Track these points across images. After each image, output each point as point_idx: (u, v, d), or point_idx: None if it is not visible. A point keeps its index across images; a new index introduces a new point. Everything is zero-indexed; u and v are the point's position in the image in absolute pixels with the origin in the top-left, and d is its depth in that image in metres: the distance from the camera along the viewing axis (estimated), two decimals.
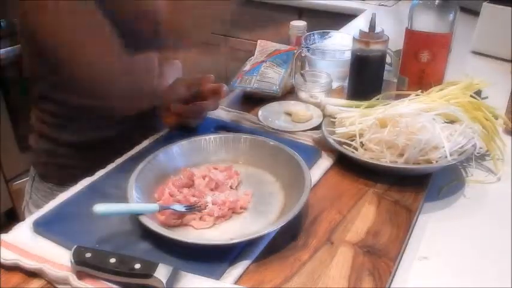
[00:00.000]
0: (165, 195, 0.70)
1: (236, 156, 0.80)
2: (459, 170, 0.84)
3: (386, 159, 0.77)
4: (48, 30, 0.71)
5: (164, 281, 0.53)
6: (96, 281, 0.56)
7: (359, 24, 1.19)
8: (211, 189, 0.72)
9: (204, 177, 0.73)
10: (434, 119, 0.79)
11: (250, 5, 2.26)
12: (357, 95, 0.97)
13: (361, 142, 0.82)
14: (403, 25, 1.00)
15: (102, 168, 0.78)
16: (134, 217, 0.63)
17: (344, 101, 0.94)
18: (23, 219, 0.68)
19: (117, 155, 0.81)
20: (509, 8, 1.32)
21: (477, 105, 0.85)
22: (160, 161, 0.75)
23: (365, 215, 0.70)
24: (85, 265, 0.55)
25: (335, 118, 0.88)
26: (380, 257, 0.62)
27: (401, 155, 0.77)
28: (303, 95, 1.01)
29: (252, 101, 1.03)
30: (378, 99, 0.91)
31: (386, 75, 1.02)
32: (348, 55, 1.03)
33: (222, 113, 0.96)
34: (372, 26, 0.94)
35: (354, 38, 0.96)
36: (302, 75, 1.04)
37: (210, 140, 0.81)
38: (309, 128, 0.91)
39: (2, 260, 0.59)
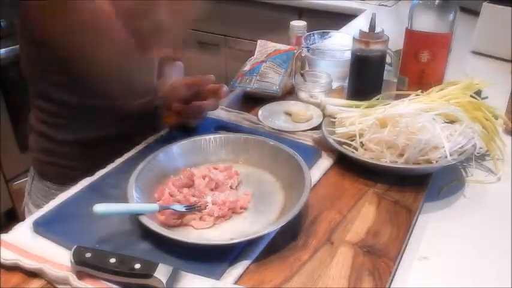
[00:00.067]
0: (165, 195, 0.70)
1: (236, 156, 0.80)
2: (459, 170, 0.84)
3: (386, 159, 0.77)
4: (56, 30, 0.70)
5: (164, 281, 0.53)
6: (96, 281, 0.56)
7: (359, 24, 1.19)
8: (211, 189, 0.72)
9: (204, 177, 0.73)
10: (434, 119, 0.79)
11: (250, 5, 2.27)
12: (357, 95, 0.97)
13: (361, 142, 0.82)
14: (403, 25, 1.00)
15: (101, 168, 0.78)
16: (134, 217, 0.63)
17: (344, 101, 0.94)
18: (23, 219, 0.68)
19: (117, 155, 0.81)
20: (509, 8, 1.32)
21: (477, 105, 0.85)
22: (160, 161, 0.75)
23: (365, 215, 0.70)
24: (85, 265, 0.55)
25: (335, 118, 0.88)
26: (380, 257, 0.62)
27: (401, 155, 0.77)
28: (303, 95, 1.01)
29: (252, 101, 1.03)
30: (378, 99, 0.91)
31: (386, 75, 1.02)
32: (348, 55, 1.03)
33: (222, 113, 0.96)
34: (372, 26, 0.94)
35: (354, 38, 0.96)
36: (302, 75, 1.04)
37: (210, 140, 0.81)
38: (309, 128, 0.91)
39: (2, 260, 0.59)
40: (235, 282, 0.57)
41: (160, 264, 0.55)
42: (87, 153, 0.92)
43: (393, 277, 0.62)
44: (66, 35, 0.71)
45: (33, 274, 0.58)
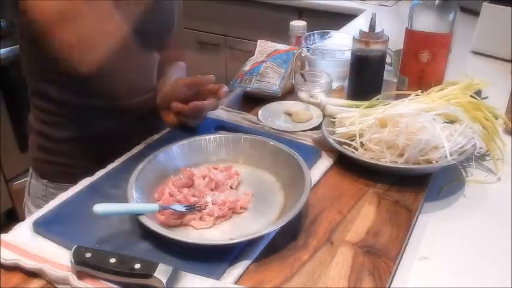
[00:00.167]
0: (165, 195, 0.70)
1: (236, 156, 0.80)
2: (459, 170, 0.85)
3: (386, 159, 0.77)
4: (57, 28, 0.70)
5: (164, 281, 0.53)
6: (96, 281, 0.56)
7: (359, 24, 1.19)
8: (211, 189, 0.72)
9: (204, 177, 0.73)
10: (434, 119, 0.79)
11: (250, 5, 2.27)
12: (357, 95, 0.97)
13: (361, 142, 0.82)
14: (403, 25, 1.00)
15: (100, 167, 0.77)
16: (134, 217, 0.63)
17: (344, 101, 0.94)
18: (23, 219, 0.68)
19: (117, 154, 0.81)
20: (509, 8, 1.32)
21: (477, 105, 0.85)
22: (160, 161, 0.75)
23: (365, 215, 0.70)
24: (85, 265, 0.55)
25: (335, 118, 0.88)
26: (380, 257, 0.62)
27: (401, 155, 0.77)
28: (303, 95, 1.01)
29: (252, 101, 1.03)
30: (378, 99, 0.91)
31: (386, 75, 1.02)
32: (348, 55, 1.03)
33: (222, 113, 0.96)
34: (372, 26, 0.94)
35: (354, 38, 0.96)
36: (302, 75, 1.04)
37: (210, 140, 0.81)
38: (309, 128, 0.91)
39: (2, 260, 0.59)
40: (235, 282, 0.57)
41: (160, 264, 0.55)
42: (85, 152, 0.92)
43: (393, 277, 0.62)
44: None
45: (33, 274, 0.58)
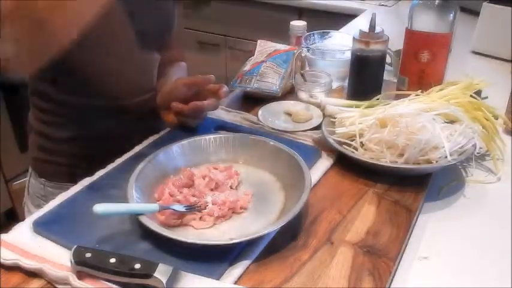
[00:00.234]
0: (165, 195, 0.70)
1: (236, 156, 0.80)
2: (459, 170, 0.85)
3: (387, 159, 0.77)
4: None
5: (164, 281, 0.53)
6: (96, 281, 0.56)
7: (359, 24, 1.19)
8: (211, 189, 0.72)
9: (204, 177, 0.73)
10: (434, 119, 0.79)
11: (250, 5, 2.27)
12: (357, 95, 0.97)
13: (361, 142, 0.82)
14: (403, 25, 1.00)
15: (99, 167, 0.77)
16: (134, 217, 0.63)
17: (344, 101, 0.94)
18: (23, 219, 0.68)
19: (116, 154, 0.81)
20: (509, 8, 1.32)
21: (477, 105, 0.85)
22: (160, 161, 0.75)
23: (365, 215, 0.70)
24: (85, 265, 0.55)
25: (335, 118, 0.88)
26: (380, 257, 0.62)
27: (401, 155, 0.77)
28: (303, 95, 1.01)
29: (252, 101, 1.03)
30: (378, 99, 0.91)
31: (386, 75, 1.02)
32: (348, 55, 1.03)
33: (222, 113, 0.96)
34: (372, 26, 0.94)
35: (354, 38, 0.97)
36: (302, 75, 1.04)
37: (210, 140, 0.81)
38: (309, 128, 0.91)
39: (2, 260, 0.59)
40: (235, 282, 0.57)
41: (160, 264, 0.55)
42: (85, 152, 0.92)
43: (393, 277, 0.62)
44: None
45: (33, 274, 0.58)
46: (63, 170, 0.93)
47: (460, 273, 0.64)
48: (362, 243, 0.65)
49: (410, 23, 0.98)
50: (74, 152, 0.92)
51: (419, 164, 0.77)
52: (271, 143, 0.78)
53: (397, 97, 0.91)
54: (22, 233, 0.63)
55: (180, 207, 0.66)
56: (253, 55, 1.11)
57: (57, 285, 0.57)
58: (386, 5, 2.02)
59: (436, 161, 0.77)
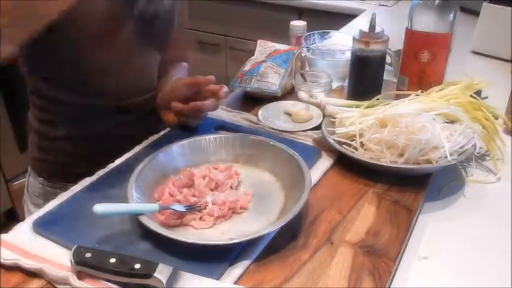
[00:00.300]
0: (165, 195, 0.70)
1: (236, 156, 0.80)
2: (459, 170, 0.85)
3: (387, 159, 0.77)
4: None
5: (164, 281, 0.53)
6: (96, 281, 0.56)
7: (359, 24, 1.19)
8: (211, 189, 0.72)
9: (204, 177, 0.73)
10: (434, 119, 0.79)
11: (250, 5, 2.27)
12: (357, 95, 0.97)
13: (361, 142, 0.82)
14: (403, 25, 1.00)
15: (98, 167, 0.77)
16: (134, 217, 0.63)
17: (344, 101, 0.94)
18: (23, 219, 0.68)
19: (112, 154, 0.81)
20: (509, 8, 1.32)
21: (477, 105, 0.85)
22: (160, 161, 0.75)
23: (365, 215, 0.70)
24: (85, 265, 0.55)
25: (335, 118, 0.88)
26: (380, 257, 0.62)
27: (401, 155, 0.77)
28: (303, 95, 1.01)
29: (252, 101, 1.03)
30: (378, 99, 0.91)
31: (386, 75, 1.02)
32: (348, 55, 1.03)
33: (222, 113, 0.96)
34: (372, 26, 0.94)
35: (354, 38, 0.96)
36: (302, 75, 1.04)
37: (210, 140, 0.81)
38: (309, 128, 0.91)
39: (2, 260, 0.59)
40: (235, 282, 0.57)
41: (160, 264, 0.55)
42: (85, 152, 0.92)
43: (393, 277, 0.62)
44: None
45: (33, 274, 0.58)
46: (62, 170, 0.93)
47: (460, 273, 0.64)
48: (362, 243, 0.65)
49: (410, 23, 0.98)
50: (72, 151, 0.92)
51: (419, 164, 0.77)
52: (271, 143, 0.78)
53: (397, 97, 0.91)
54: (22, 233, 0.63)
55: (180, 207, 0.66)
56: (253, 55, 1.11)
57: (57, 285, 0.57)
58: (386, 5, 2.02)
59: (436, 161, 0.77)
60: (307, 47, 1.12)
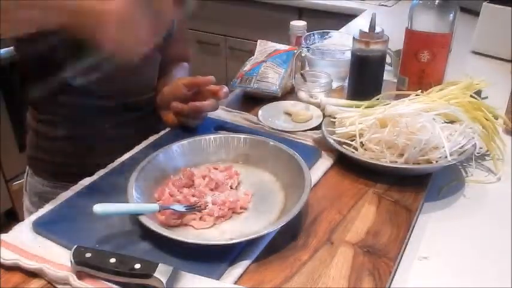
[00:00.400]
0: (165, 195, 0.70)
1: (236, 156, 0.80)
2: (459, 170, 0.85)
3: (387, 159, 0.77)
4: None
5: (164, 281, 0.53)
6: (96, 281, 0.56)
7: (359, 24, 1.19)
8: (211, 189, 0.72)
9: (204, 177, 0.74)
10: (434, 119, 0.79)
11: (250, 5, 2.27)
12: (357, 95, 0.97)
13: (361, 142, 0.82)
14: (403, 25, 1.00)
15: (96, 167, 0.77)
16: (134, 217, 0.63)
17: (344, 101, 0.94)
18: (23, 219, 0.68)
19: (112, 154, 0.81)
20: (509, 8, 1.32)
21: (477, 105, 0.85)
22: (160, 161, 0.75)
23: (365, 215, 0.70)
24: (85, 265, 0.55)
25: (335, 118, 0.88)
26: (380, 257, 0.62)
27: (401, 155, 0.77)
28: (303, 95, 1.01)
29: (252, 101, 1.03)
30: (378, 99, 0.91)
31: (386, 75, 1.02)
32: (348, 55, 1.03)
33: (222, 113, 0.96)
34: (372, 26, 0.94)
35: (354, 38, 0.96)
36: (302, 75, 1.04)
37: (210, 140, 0.81)
38: (309, 128, 0.91)
39: (2, 260, 0.59)
40: (235, 282, 0.57)
41: (160, 264, 0.55)
42: (83, 152, 0.92)
43: (393, 277, 0.62)
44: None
45: (33, 274, 0.58)
46: (61, 169, 0.93)
47: (460, 273, 0.64)
48: (362, 243, 0.64)
49: (410, 23, 0.98)
50: (72, 151, 0.92)
51: (419, 164, 0.77)
52: (271, 143, 0.78)
53: (397, 97, 0.91)
54: (22, 233, 0.63)
55: (180, 207, 0.66)
56: (253, 55, 1.11)
57: (57, 285, 0.57)
58: (386, 5, 2.02)
59: (436, 161, 0.77)
60: (307, 47, 1.12)
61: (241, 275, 0.58)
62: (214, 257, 0.59)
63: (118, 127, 0.92)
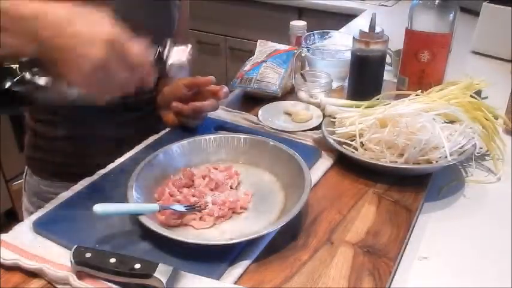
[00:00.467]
0: (165, 195, 0.70)
1: (236, 156, 0.80)
2: (459, 170, 0.85)
3: (387, 159, 0.77)
4: None
5: (164, 281, 0.53)
6: (96, 281, 0.56)
7: (359, 24, 1.19)
8: (211, 189, 0.72)
9: (204, 177, 0.74)
10: (434, 119, 0.79)
11: (250, 5, 2.27)
12: (357, 95, 0.97)
13: (361, 142, 0.82)
14: (403, 25, 1.00)
15: (95, 167, 0.77)
16: (134, 217, 0.63)
17: (344, 101, 0.94)
18: (23, 219, 0.68)
19: (112, 154, 0.81)
20: (509, 8, 1.32)
21: (477, 105, 0.85)
22: (160, 161, 0.75)
23: (365, 215, 0.70)
24: (85, 265, 0.55)
25: (335, 118, 0.88)
26: (380, 257, 0.62)
27: (401, 155, 0.77)
28: (303, 95, 1.01)
29: (252, 101, 1.03)
30: (378, 99, 0.91)
31: (386, 75, 1.02)
32: (348, 55, 1.03)
33: (222, 113, 0.96)
34: (372, 26, 0.94)
35: (354, 38, 0.96)
36: (302, 75, 1.04)
37: (210, 140, 0.81)
38: (309, 128, 0.91)
39: (2, 260, 0.59)
40: (235, 282, 0.57)
41: (160, 264, 0.55)
42: (83, 152, 0.92)
43: (393, 277, 0.62)
44: None
45: (33, 274, 0.58)
46: (61, 169, 0.93)
47: (460, 273, 0.64)
48: (362, 243, 0.65)
49: (410, 23, 0.98)
50: (72, 151, 0.92)
51: (419, 164, 0.77)
52: (271, 143, 0.78)
53: (397, 97, 0.91)
54: (22, 233, 0.63)
55: (180, 207, 0.66)
56: (253, 55, 1.11)
57: (57, 285, 0.57)
58: (386, 5, 2.02)
59: (436, 161, 0.77)
60: (307, 47, 1.12)
61: (241, 275, 0.58)
62: (214, 257, 0.59)
63: (118, 127, 0.92)
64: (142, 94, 0.95)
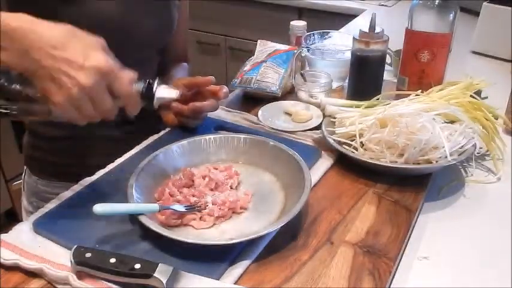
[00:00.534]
0: (165, 195, 0.70)
1: (236, 156, 0.80)
2: (459, 170, 0.85)
3: (387, 159, 0.77)
4: None
5: (164, 281, 0.53)
6: (96, 281, 0.56)
7: (359, 24, 1.19)
8: (211, 189, 0.72)
9: (204, 177, 0.74)
10: (434, 119, 0.79)
11: (250, 5, 2.27)
12: (357, 95, 0.97)
13: (361, 142, 0.82)
14: (403, 25, 1.00)
15: (95, 167, 0.77)
16: (134, 217, 0.63)
17: (344, 101, 0.94)
18: (23, 219, 0.68)
19: (112, 154, 0.81)
20: (509, 8, 1.32)
21: (477, 105, 0.85)
22: (160, 161, 0.75)
23: (365, 215, 0.70)
24: (85, 265, 0.55)
25: (335, 118, 0.88)
26: (380, 257, 0.62)
27: (401, 155, 0.77)
28: (303, 95, 1.01)
29: (252, 101, 1.03)
30: (378, 99, 0.91)
31: (386, 75, 1.02)
32: (348, 55, 1.03)
33: (222, 113, 0.96)
34: (372, 26, 0.94)
35: (354, 38, 0.96)
36: (302, 75, 1.04)
37: (210, 140, 0.81)
38: (309, 128, 0.91)
39: (2, 260, 0.59)
40: (235, 282, 0.57)
41: (160, 264, 0.55)
42: (83, 151, 0.92)
43: (393, 277, 0.62)
44: None
45: (33, 274, 0.58)
46: (60, 169, 0.93)
47: (460, 273, 0.64)
48: (362, 243, 0.65)
49: (410, 23, 0.98)
50: (72, 151, 0.92)
51: (419, 164, 0.77)
52: (271, 143, 0.78)
53: (397, 97, 0.91)
54: (22, 233, 0.63)
55: (180, 207, 0.66)
56: (253, 55, 1.11)
57: (57, 285, 0.57)
58: (386, 5, 2.02)
59: (436, 161, 0.77)
60: (307, 47, 1.12)
61: (241, 275, 0.59)
62: (214, 257, 0.59)
63: (118, 127, 0.92)
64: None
